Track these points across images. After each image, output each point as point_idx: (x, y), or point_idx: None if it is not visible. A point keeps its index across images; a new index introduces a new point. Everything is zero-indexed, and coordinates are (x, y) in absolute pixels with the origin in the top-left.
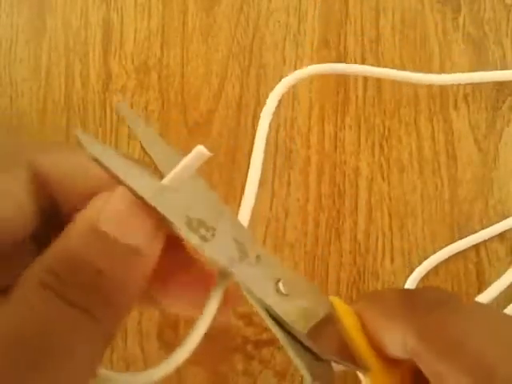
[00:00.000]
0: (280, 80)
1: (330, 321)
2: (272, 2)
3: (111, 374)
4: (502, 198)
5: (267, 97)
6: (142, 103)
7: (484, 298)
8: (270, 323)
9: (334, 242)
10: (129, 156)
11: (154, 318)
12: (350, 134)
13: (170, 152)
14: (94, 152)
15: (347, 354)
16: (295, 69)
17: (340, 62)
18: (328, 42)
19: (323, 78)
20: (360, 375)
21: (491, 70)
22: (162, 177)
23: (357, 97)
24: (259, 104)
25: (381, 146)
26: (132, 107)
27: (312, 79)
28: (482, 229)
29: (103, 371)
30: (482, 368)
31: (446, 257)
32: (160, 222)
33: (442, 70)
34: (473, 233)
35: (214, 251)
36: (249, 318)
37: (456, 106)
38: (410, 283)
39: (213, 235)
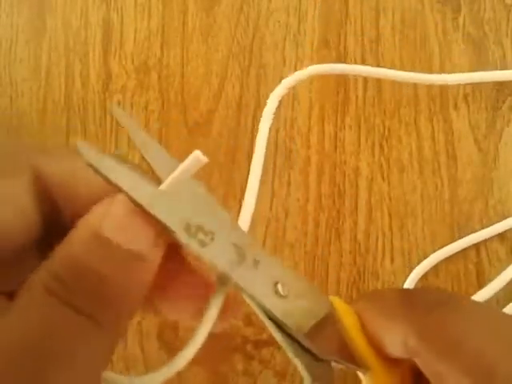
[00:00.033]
0: (280, 80)
1: (329, 321)
2: (272, 2)
3: (114, 376)
4: (502, 197)
5: (267, 97)
6: (142, 103)
7: (483, 295)
8: (269, 325)
9: (334, 241)
10: (127, 161)
11: (154, 319)
12: (350, 134)
13: (165, 155)
14: (91, 160)
15: (347, 354)
16: (295, 69)
17: (340, 61)
18: (328, 42)
19: (323, 78)
20: (360, 375)
21: (491, 69)
22: (159, 182)
23: (357, 97)
24: (259, 104)
25: (381, 145)
26: (132, 107)
27: (312, 79)
28: (482, 229)
29: (105, 373)
30: (481, 367)
31: (446, 256)
32: (161, 228)
33: (442, 70)
34: (473, 233)
35: (212, 256)
36: (249, 318)
37: (456, 106)
38: (410, 283)
39: (211, 239)
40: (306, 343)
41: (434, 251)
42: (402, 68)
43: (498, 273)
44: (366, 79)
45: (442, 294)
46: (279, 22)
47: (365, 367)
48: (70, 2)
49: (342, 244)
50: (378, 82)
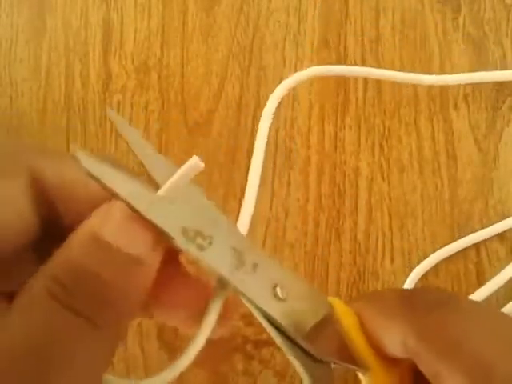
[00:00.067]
0: (280, 80)
1: (328, 322)
2: (272, 2)
3: (115, 379)
4: (502, 198)
5: (267, 97)
6: (142, 103)
7: (482, 293)
8: (268, 328)
9: (334, 241)
10: (124, 166)
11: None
12: (350, 134)
13: (163, 160)
14: (88, 167)
15: (346, 355)
16: (295, 69)
17: (340, 62)
18: (328, 42)
19: (323, 79)
20: (359, 375)
21: (491, 70)
22: (157, 187)
23: (357, 97)
24: (259, 104)
25: (381, 145)
26: (132, 107)
27: (312, 81)
28: (482, 229)
29: (106, 376)
30: (480, 368)
31: (446, 256)
32: (159, 233)
33: (442, 71)
34: (473, 233)
35: (211, 260)
36: (249, 318)
37: (456, 106)
38: (410, 283)
39: (210, 244)
40: (305, 345)
41: (434, 251)
42: (402, 68)
43: (498, 273)
44: (366, 80)
45: (442, 294)
46: (279, 22)
47: (364, 367)
48: (70, 2)
49: (342, 244)
50: (378, 82)
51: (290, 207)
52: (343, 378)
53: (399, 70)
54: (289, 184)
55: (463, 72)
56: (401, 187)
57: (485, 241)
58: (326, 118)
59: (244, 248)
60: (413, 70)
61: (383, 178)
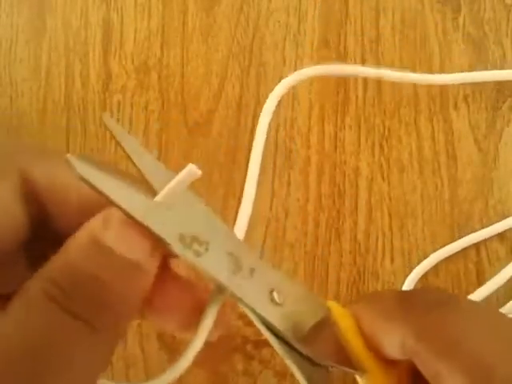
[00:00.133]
0: (280, 80)
1: (326, 325)
2: (272, 2)
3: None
4: (502, 197)
5: (267, 97)
6: (142, 103)
7: (482, 292)
8: (265, 333)
9: (334, 241)
10: (121, 171)
11: None
12: (350, 134)
13: (160, 166)
14: (82, 173)
15: (343, 357)
16: (295, 69)
17: (340, 62)
18: (328, 42)
19: (323, 78)
20: (357, 378)
21: (491, 70)
22: (154, 193)
23: (357, 97)
24: (259, 104)
25: (381, 146)
26: (132, 107)
27: (312, 81)
28: (482, 228)
29: (103, 381)
30: (480, 368)
31: (446, 256)
32: (157, 239)
33: (442, 70)
34: (473, 233)
35: (207, 266)
36: (248, 318)
37: (456, 106)
38: (410, 283)
39: (206, 249)
40: (303, 349)
41: (434, 251)
42: (402, 68)
43: (498, 272)
44: (365, 79)
45: (441, 294)
46: (279, 22)
47: (361, 370)
48: (70, 2)
49: (342, 244)
50: (378, 82)
51: (290, 207)
52: (342, 380)
53: (399, 70)
54: (289, 184)
55: (463, 72)
56: (401, 187)
57: (485, 241)
58: (325, 118)
59: (241, 253)
60: (413, 70)
61: (383, 178)
